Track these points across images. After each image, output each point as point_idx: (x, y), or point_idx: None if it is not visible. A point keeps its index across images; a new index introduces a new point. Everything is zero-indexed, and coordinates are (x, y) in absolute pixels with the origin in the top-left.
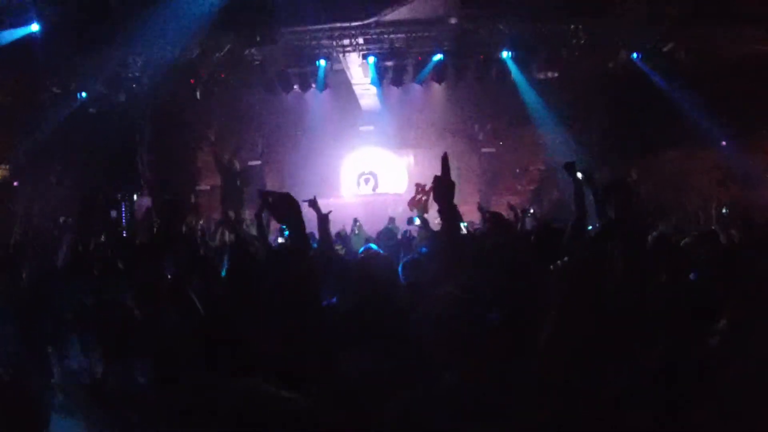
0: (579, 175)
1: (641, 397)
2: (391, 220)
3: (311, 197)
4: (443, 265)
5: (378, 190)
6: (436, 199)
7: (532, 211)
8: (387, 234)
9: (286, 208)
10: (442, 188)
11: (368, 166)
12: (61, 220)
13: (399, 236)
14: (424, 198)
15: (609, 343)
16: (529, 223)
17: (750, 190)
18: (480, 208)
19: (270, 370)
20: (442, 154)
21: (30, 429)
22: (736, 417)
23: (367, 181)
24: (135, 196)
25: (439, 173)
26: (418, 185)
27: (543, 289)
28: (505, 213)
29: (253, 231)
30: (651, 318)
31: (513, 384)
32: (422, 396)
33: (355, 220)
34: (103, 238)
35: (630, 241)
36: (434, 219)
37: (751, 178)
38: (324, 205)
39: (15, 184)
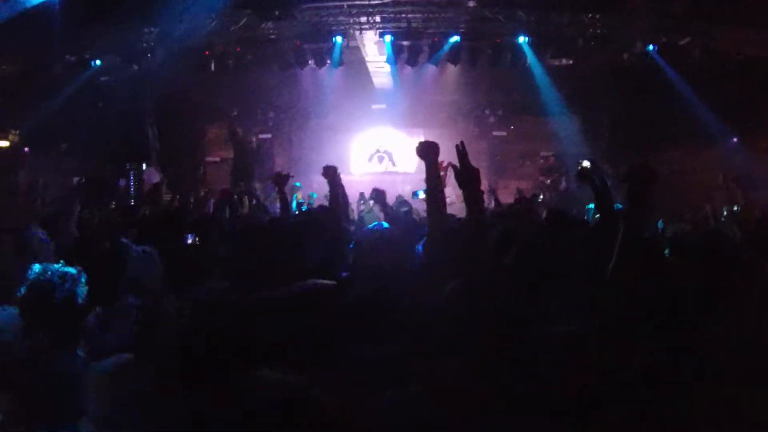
0: (586, 163)
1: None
2: (399, 197)
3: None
4: (464, 251)
5: (393, 169)
6: (462, 187)
7: (541, 197)
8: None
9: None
10: (467, 175)
11: (383, 145)
12: (75, 180)
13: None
14: (442, 173)
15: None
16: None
17: (755, 190)
18: (490, 190)
19: (279, 354)
20: (453, 137)
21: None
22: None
23: (381, 159)
24: (144, 166)
25: (449, 155)
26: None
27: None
28: (512, 197)
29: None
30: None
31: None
32: (420, 388)
33: (362, 195)
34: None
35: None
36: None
37: (756, 178)
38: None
39: (26, 150)
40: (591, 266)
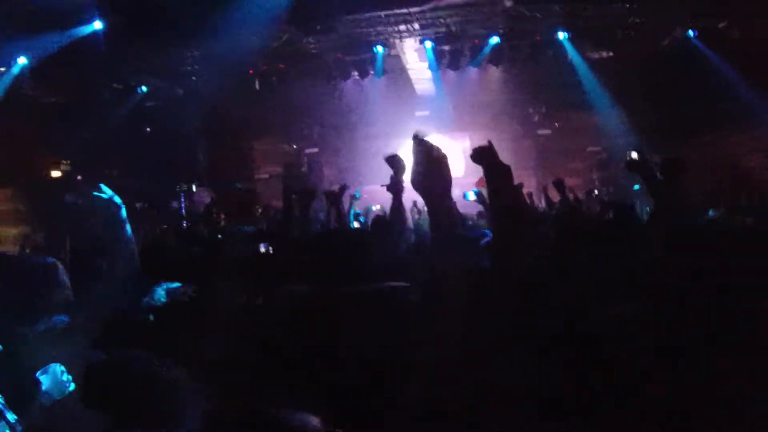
0: (634, 155)
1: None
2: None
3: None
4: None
5: None
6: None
7: (596, 192)
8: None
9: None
10: (498, 172)
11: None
12: (138, 206)
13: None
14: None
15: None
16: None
17: None
18: (541, 190)
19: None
20: (498, 138)
21: None
22: None
23: None
24: (194, 187)
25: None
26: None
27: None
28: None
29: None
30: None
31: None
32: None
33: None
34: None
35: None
36: None
37: None
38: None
39: (78, 178)
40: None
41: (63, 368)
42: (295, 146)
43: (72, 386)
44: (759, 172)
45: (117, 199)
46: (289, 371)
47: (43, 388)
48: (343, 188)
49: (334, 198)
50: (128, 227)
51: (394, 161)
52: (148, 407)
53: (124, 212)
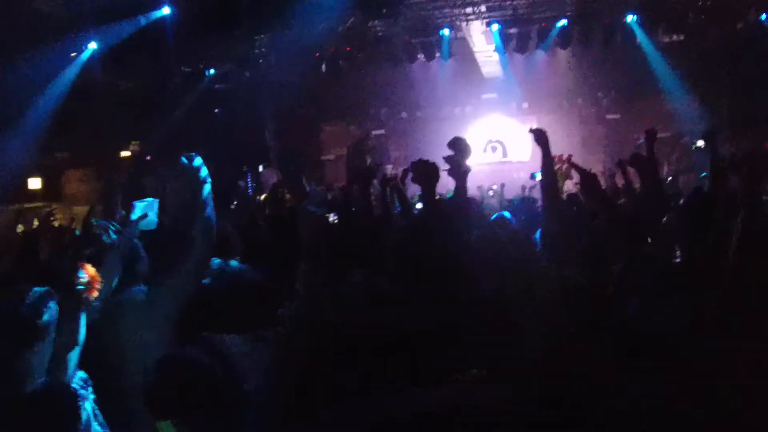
0: (700, 143)
1: None
2: (523, 189)
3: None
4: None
5: (506, 159)
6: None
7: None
8: (526, 204)
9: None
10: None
11: (495, 134)
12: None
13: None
14: (564, 167)
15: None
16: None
17: None
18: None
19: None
20: (566, 121)
21: None
22: None
23: (494, 149)
24: (260, 167)
25: (564, 141)
26: (554, 157)
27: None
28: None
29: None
30: None
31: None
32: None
33: (480, 188)
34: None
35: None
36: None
37: None
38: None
39: (148, 158)
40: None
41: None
42: (362, 128)
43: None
44: None
45: (204, 171)
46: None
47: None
48: (406, 172)
49: (387, 182)
50: (210, 205)
51: (457, 144)
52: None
53: (208, 188)
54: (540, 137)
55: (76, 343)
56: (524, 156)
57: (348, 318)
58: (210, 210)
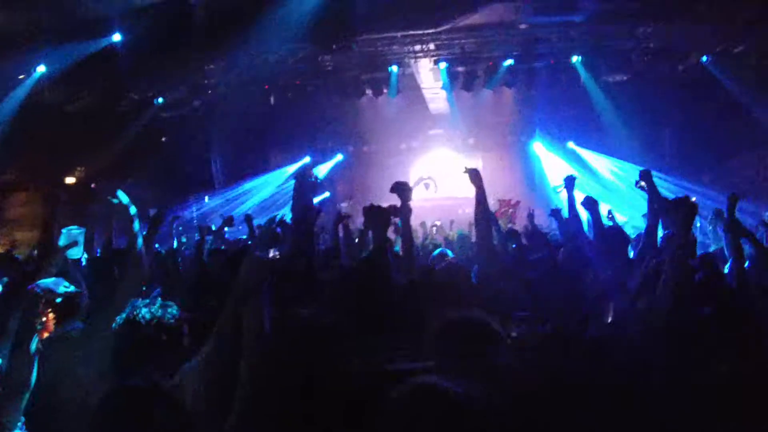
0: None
1: None
2: (470, 225)
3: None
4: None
5: (437, 194)
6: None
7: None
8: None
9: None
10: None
11: (426, 171)
12: (151, 212)
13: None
14: (510, 211)
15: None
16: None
17: None
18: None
19: None
20: (511, 158)
21: None
22: None
23: (427, 186)
24: (206, 198)
25: (507, 177)
26: (502, 201)
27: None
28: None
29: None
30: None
31: None
32: None
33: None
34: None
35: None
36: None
37: None
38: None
39: (92, 186)
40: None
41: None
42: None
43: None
44: None
45: (133, 210)
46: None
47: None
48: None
49: (340, 220)
50: (140, 239)
51: (400, 189)
52: None
53: (137, 224)
54: (474, 177)
55: (28, 387)
56: (470, 192)
57: (291, 353)
58: (140, 245)
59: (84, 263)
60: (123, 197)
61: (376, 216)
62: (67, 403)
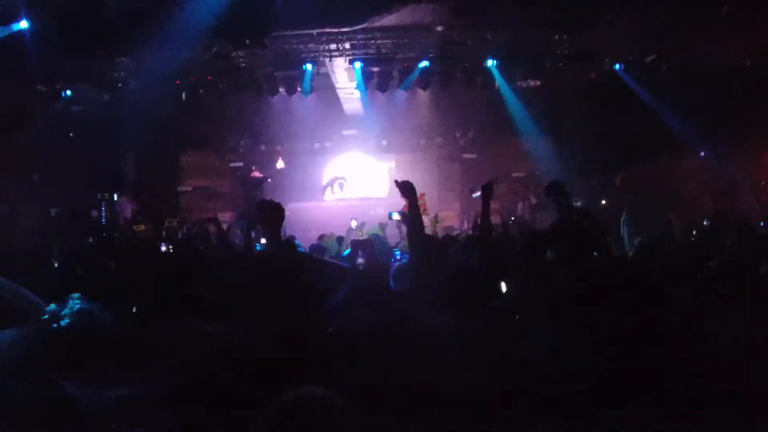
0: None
1: None
2: (381, 226)
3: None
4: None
5: (352, 195)
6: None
7: (512, 218)
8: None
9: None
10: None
11: (340, 171)
12: (53, 212)
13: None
14: (422, 204)
15: None
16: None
17: (731, 196)
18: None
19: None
20: (424, 160)
21: None
22: None
23: (341, 186)
24: (115, 196)
25: (422, 179)
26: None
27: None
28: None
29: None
30: None
31: None
32: None
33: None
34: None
35: None
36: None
37: (732, 185)
38: (306, 208)
39: None
40: None
41: None
42: (220, 160)
43: None
44: (687, 199)
45: None
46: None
47: None
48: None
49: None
50: None
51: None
52: None
53: None
54: (406, 189)
55: None
56: (382, 193)
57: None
58: None
59: None
60: None
61: (269, 211)
62: None
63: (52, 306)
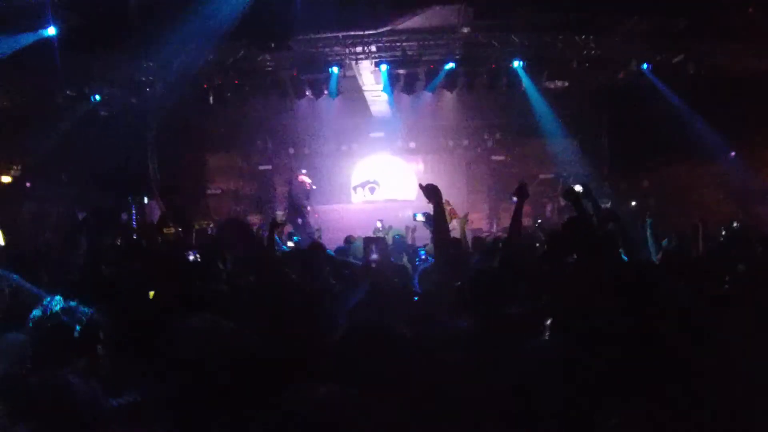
0: (578, 188)
1: None
2: (407, 229)
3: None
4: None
5: (379, 197)
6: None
7: (540, 221)
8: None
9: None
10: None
11: (371, 175)
12: (80, 216)
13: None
14: (449, 208)
15: None
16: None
17: (753, 205)
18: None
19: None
20: (452, 162)
21: None
22: None
23: (372, 190)
24: (145, 199)
25: (448, 181)
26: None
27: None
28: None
29: None
30: None
31: None
32: None
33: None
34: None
35: None
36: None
37: (754, 193)
38: (333, 210)
39: (27, 184)
40: None
41: None
42: (247, 163)
43: None
44: (712, 204)
45: None
46: None
47: None
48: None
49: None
50: None
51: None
52: None
53: None
54: (431, 192)
55: None
56: (410, 195)
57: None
58: None
59: None
60: None
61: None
62: None
63: (36, 312)
